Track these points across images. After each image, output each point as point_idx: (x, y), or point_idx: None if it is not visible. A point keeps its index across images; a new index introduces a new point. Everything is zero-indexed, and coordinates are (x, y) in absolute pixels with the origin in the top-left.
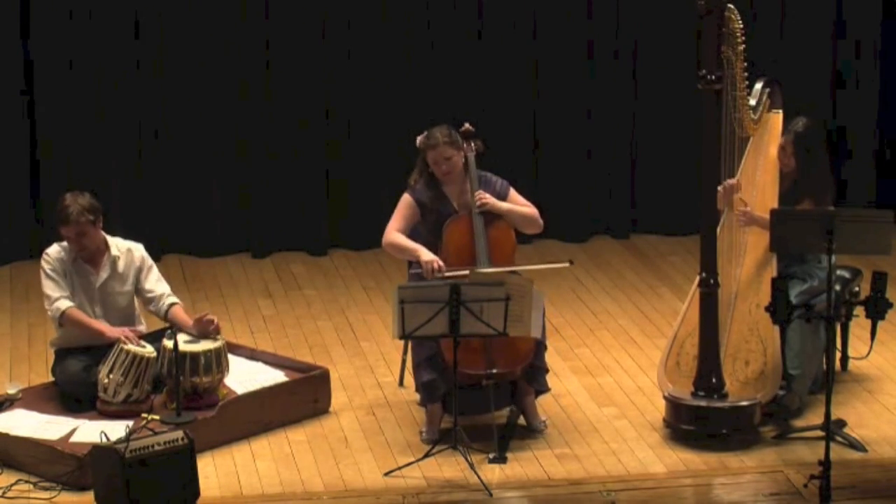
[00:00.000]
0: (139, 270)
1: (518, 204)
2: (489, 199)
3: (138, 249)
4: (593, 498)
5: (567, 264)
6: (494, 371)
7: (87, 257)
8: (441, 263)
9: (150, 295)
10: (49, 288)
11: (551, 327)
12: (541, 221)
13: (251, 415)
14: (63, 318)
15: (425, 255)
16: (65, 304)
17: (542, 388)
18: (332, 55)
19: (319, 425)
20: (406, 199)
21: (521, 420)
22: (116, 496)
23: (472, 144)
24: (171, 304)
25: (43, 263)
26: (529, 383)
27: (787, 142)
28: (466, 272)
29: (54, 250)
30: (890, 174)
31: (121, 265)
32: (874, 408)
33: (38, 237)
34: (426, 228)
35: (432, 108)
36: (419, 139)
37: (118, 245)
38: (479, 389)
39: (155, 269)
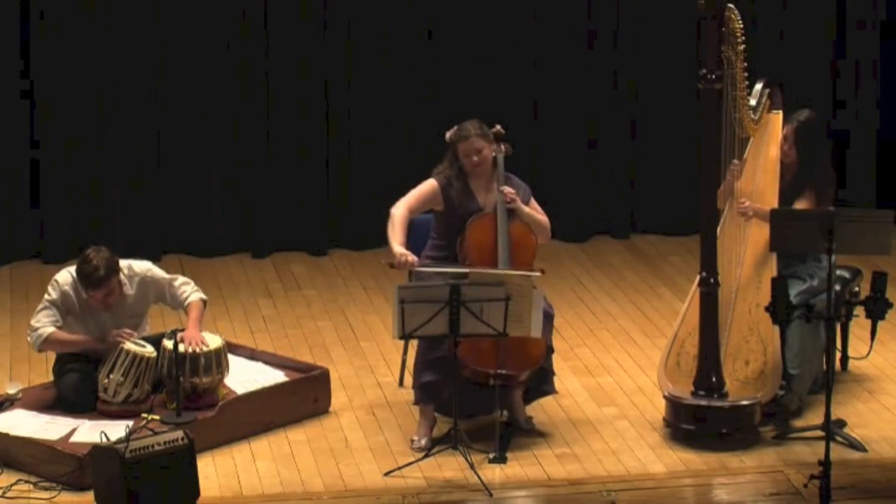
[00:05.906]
0: (159, 295)
1: (535, 212)
2: (517, 198)
3: (149, 271)
4: (593, 498)
5: (539, 273)
6: (503, 371)
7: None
8: (413, 259)
9: (179, 300)
10: (39, 316)
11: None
12: (549, 233)
13: (251, 415)
14: (44, 345)
15: (397, 247)
16: (47, 330)
17: (550, 390)
18: (332, 54)
19: (319, 425)
20: (432, 183)
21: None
22: (116, 496)
23: (502, 146)
24: (190, 303)
25: (50, 290)
26: (538, 385)
27: (789, 131)
28: (438, 270)
29: (65, 281)
30: (890, 174)
31: (130, 301)
32: (874, 408)
33: (38, 237)
34: (449, 223)
35: (432, 108)
36: (449, 133)
37: (130, 279)
38: (482, 390)
39: (171, 280)
